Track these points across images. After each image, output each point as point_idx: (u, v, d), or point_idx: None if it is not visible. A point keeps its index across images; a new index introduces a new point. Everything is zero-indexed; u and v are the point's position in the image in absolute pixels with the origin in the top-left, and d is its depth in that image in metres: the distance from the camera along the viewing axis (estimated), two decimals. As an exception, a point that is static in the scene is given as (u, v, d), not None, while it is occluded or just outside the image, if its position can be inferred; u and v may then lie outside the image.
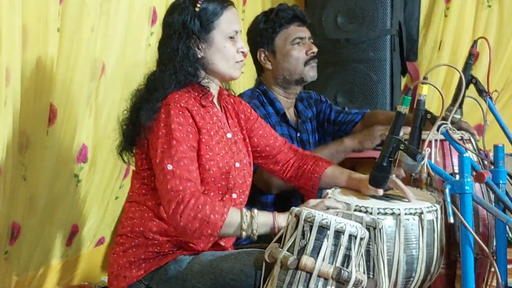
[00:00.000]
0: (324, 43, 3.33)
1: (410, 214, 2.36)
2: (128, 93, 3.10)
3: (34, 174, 2.80)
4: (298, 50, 3.19)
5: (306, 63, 3.19)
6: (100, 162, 3.14)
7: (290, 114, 3.26)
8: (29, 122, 2.74)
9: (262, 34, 3.21)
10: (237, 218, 2.28)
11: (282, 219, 2.29)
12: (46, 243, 2.95)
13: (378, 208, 2.31)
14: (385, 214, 2.32)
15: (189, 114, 2.36)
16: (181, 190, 2.25)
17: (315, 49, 3.22)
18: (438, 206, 2.43)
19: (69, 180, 3.00)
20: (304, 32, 3.22)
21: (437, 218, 2.42)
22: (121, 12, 3.18)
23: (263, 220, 2.30)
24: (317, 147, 3.22)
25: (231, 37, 2.46)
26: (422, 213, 2.37)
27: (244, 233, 2.28)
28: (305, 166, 2.68)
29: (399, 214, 2.34)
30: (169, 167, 2.27)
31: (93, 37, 3.00)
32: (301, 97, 3.37)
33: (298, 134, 3.23)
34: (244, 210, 2.31)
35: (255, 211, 2.31)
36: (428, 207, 2.40)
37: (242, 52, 2.49)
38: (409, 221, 2.35)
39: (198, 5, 2.42)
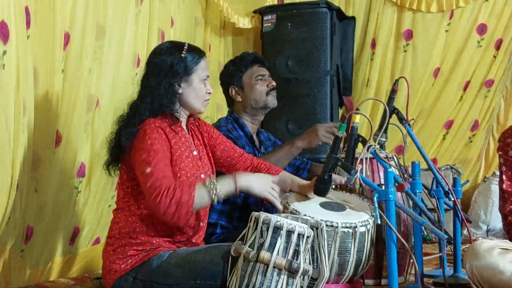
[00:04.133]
0: (278, 82, 3.36)
1: (346, 227, 2.38)
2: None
3: (43, 187, 2.78)
4: (261, 84, 3.24)
5: (267, 93, 3.24)
6: (95, 177, 3.12)
7: (255, 138, 3.29)
8: (40, 145, 2.72)
9: (232, 74, 3.26)
10: (203, 189, 2.30)
11: (242, 178, 2.36)
12: (53, 242, 2.92)
13: (321, 220, 2.31)
14: (326, 225, 2.32)
15: (162, 132, 2.37)
16: (158, 186, 2.25)
17: (273, 83, 3.27)
18: (371, 221, 2.45)
19: (71, 191, 2.98)
20: (264, 71, 3.28)
21: (368, 230, 2.44)
22: (112, 57, 3.17)
23: (226, 181, 2.35)
24: (274, 149, 3.24)
25: (203, 80, 2.49)
26: (356, 226, 2.40)
27: (215, 198, 2.30)
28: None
29: (337, 227, 2.37)
30: (148, 169, 2.28)
31: (90, 77, 3.00)
32: (261, 132, 3.40)
33: (260, 155, 3.25)
34: (207, 180, 2.34)
35: (215, 178, 2.35)
36: (361, 222, 2.42)
37: (209, 92, 2.52)
38: (344, 233, 2.38)
39: (184, 53, 2.44)
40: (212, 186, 2.31)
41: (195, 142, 2.56)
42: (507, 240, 2.24)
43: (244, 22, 4.62)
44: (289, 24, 4.49)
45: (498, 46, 4.69)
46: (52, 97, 2.77)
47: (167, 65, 2.43)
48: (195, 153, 2.51)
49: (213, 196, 2.30)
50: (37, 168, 2.72)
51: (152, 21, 3.44)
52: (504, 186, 2.27)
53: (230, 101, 3.32)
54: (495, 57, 4.70)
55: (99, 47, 3.06)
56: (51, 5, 2.71)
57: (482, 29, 4.69)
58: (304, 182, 2.57)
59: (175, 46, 2.48)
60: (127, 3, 3.27)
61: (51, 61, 2.75)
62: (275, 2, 4.84)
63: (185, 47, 2.47)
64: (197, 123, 2.63)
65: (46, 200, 2.82)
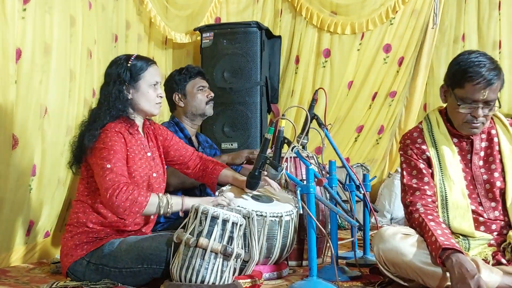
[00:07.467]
0: (215, 91, 3.37)
1: (273, 216, 2.41)
2: (63, 128, 3.01)
3: (2, 185, 2.70)
4: (201, 94, 3.24)
5: (206, 103, 3.25)
6: (46, 176, 3.02)
7: (194, 140, 3.28)
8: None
9: (177, 82, 3.24)
10: (156, 199, 2.28)
11: (188, 201, 2.31)
12: (12, 233, 2.83)
13: (252, 210, 2.34)
14: (256, 215, 2.35)
15: (121, 135, 2.34)
16: (117, 181, 2.22)
17: (212, 94, 3.28)
18: (294, 211, 2.49)
19: (26, 189, 2.88)
20: (205, 83, 3.29)
21: (292, 219, 2.47)
22: (57, 71, 3.06)
23: (175, 201, 2.31)
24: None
25: (153, 85, 2.45)
26: (282, 216, 2.43)
27: (162, 211, 2.27)
28: (207, 169, 2.65)
29: (266, 216, 2.39)
30: (108, 165, 2.25)
31: (40, 88, 2.90)
32: (200, 135, 3.39)
33: None
34: (160, 194, 2.31)
35: (168, 195, 2.32)
36: (286, 212, 2.45)
37: (161, 96, 2.49)
38: (272, 221, 2.41)
39: (130, 62, 2.42)
40: (164, 201, 2.28)
41: (150, 144, 2.53)
42: (408, 227, 2.31)
43: (182, 38, 4.58)
44: (225, 41, 4.52)
45: (400, 63, 4.84)
46: (7, 105, 2.68)
47: (116, 74, 2.40)
48: (149, 154, 2.48)
49: (161, 209, 2.28)
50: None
51: (83, 41, 3.32)
52: (404, 180, 2.34)
53: (173, 106, 3.30)
54: (398, 72, 4.84)
55: (45, 62, 2.96)
56: (1, 23, 2.62)
57: (387, 48, 4.84)
58: (243, 178, 2.58)
59: (126, 57, 2.46)
60: (66, 25, 3.13)
61: (5, 73, 2.65)
62: (213, 22, 4.85)
63: (133, 57, 2.44)
64: (152, 127, 2.60)
65: (5, 196, 2.73)
